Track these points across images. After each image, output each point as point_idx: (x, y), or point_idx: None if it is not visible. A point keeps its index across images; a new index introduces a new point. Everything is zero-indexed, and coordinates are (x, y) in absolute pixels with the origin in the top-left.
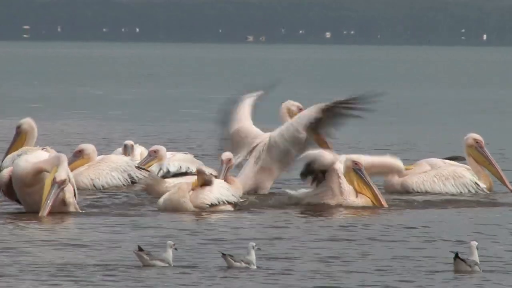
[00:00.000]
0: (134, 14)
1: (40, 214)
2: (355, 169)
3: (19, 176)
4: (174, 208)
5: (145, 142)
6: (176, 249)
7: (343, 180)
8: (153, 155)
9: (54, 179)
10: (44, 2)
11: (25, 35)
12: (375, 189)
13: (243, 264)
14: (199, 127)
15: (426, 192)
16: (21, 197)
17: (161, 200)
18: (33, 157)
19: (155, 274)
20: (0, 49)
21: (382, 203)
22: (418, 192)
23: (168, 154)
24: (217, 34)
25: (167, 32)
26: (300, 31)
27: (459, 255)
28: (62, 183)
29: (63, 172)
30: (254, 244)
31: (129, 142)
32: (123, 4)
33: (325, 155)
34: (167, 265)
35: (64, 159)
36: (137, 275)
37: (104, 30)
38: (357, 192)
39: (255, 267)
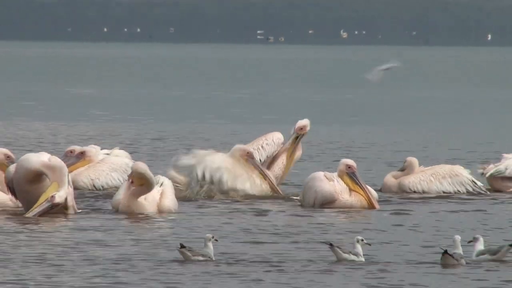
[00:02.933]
0: (134, 14)
1: (26, 215)
2: (348, 173)
3: (25, 169)
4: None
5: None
6: (216, 240)
7: (337, 181)
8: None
9: (52, 196)
10: (44, 2)
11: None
12: (368, 192)
13: (352, 256)
14: (184, 128)
15: (423, 192)
16: (20, 194)
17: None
18: (43, 156)
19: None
20: (0, 49)
21: (375, 205)
22: (415, 191)
23: (104, 151)
24: (239, 34)
25: (169, 32)
26: (310, 31)
27: (448, 251)
28: (56, 205)
29: (63, 195)
30: (360, 237)
31: (93, 146)
32: (123, 4)
33: (324, 191)
34: (208, 259)
35: (65, 177)
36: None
37: (105, 30)
38: (350, 191)
39: (363, 260)
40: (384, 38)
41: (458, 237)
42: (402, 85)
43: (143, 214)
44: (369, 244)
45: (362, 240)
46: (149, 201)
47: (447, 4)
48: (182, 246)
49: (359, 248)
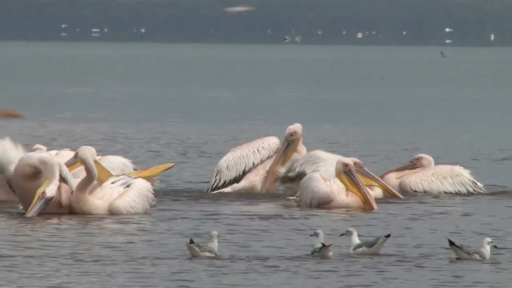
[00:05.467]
0: (138, 15)
1: (26, 215)
2: (345, 171)
3: (23, 164)
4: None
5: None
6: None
7: (333, 181)
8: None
9: (43, 192)
10: (44, 2)
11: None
12: (365, 191)
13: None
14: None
15: (424, 192)
16: (18, 192)
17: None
18: (44, 154)
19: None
20: None
21: (372, 205)
22: (416, 191)
23: (53, 152)
24: (254, 34)
25: (177, 32)
26: (319, 32)
27: (455, 242)
28: (49, 200)
29: (53, 189)
30: (490, 239)
31: (37, 146)
32: (125, 4)
33: (320, 190)
34: (213, 255)
35: (56, 172)
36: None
37: (106, 30)
38: (347, 191)
39: (481, 259)
40: (384, 38)
41: (488, 239)
42: (402, 86)
43: (91, 213)
44: (496, 246)
45: (491, 242)
46: (104, 200)
47: (448, 4)
48: (191, 242)
49: (487, 249)
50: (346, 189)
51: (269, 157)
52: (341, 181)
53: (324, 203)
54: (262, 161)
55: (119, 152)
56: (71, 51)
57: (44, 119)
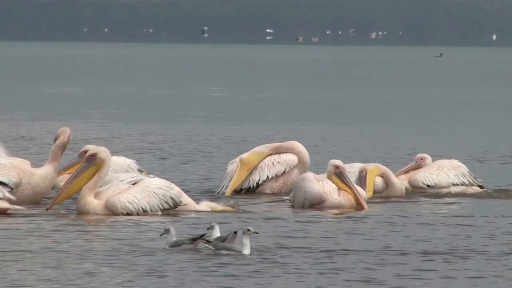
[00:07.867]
0: (140, 15)
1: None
2: (336, 173)
3: None
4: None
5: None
6: (257, 232)
7: (326, 181)
8: None
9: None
10: (43, 2)
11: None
12: (356, 192)
13: None
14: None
15: (435, 184)
16: None
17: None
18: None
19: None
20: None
21: (363, 205)
22: (429, 185)
23: None
24: (268, 35)
25: (179, 32)
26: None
27: None
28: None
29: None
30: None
31: None
32: (125, 4)
33: (313, 193)
34: (232, 253)
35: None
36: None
37: (106, 30)
38: (339, 190)
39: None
40: (384, 38)
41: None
42: (402, 86)
43: (89, 213)
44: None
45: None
46: (102, 199)
47: (449, 4)
48: (208, 242)
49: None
50: (338, 189)
51: (284, 173)
52: (333, 182)
53: (316, 204)
54: (276, 176)
55: (119, 152)
56: (71, 51)
57: (44, 120)
